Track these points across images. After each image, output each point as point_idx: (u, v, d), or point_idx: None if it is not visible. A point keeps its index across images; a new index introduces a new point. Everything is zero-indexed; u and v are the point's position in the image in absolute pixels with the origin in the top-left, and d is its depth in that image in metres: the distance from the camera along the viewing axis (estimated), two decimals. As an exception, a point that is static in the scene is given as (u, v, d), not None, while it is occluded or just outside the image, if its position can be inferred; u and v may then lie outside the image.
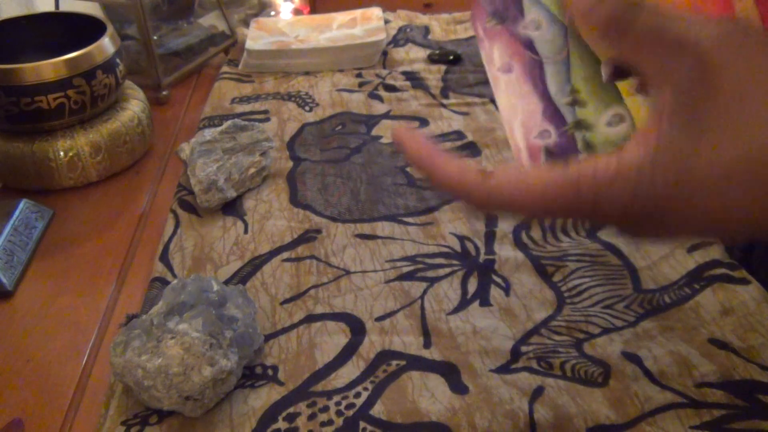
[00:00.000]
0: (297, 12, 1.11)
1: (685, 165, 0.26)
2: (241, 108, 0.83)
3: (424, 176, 0.32)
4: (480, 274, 0.57)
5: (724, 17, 0.27)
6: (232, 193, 0.66)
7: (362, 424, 0.45)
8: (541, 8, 0.31)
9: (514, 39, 0.32)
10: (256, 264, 0.59)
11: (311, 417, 0.45)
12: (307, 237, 0.62)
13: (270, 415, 0.46)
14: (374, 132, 0.78)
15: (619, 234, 0.30)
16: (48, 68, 0.66)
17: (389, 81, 0.88)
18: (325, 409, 0.46)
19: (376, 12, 0.99)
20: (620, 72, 0.29)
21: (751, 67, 0.25)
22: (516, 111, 0.33)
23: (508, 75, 0.33)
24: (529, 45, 0.32)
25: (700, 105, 0.26)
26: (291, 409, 0.46)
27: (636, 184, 0.27)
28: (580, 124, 0.30)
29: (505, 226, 0.62)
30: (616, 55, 0.29)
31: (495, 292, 0.55)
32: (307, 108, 0.83)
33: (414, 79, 0.88)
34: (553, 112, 0.31)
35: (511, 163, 0.33)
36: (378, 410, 0.46)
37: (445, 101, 0.83)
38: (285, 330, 0.53)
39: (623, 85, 0.29)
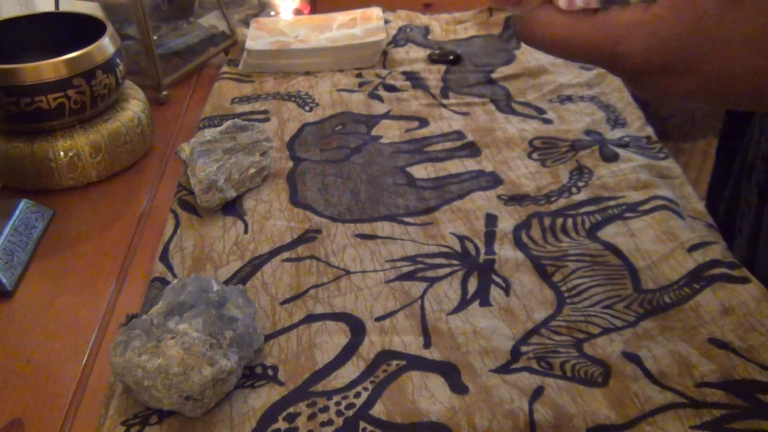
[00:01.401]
0: (297, 12, 1.11)
1: (710, 24, 0.27)
2: (241, 108, 0.83)
3: None
4: (480, 274, 0.57)
5: None
6: (232, 193, 0.66)
7: (362, 424, 0.45)
8: None
9: None
10: (256, 264, 0.59)
11: (311, 417, 0.45)
12: (307, 237, 0.62)
13: (270, 415, 0.46)
14: (374, 132, 0.78)
15: (633, 87, 0.32)
16: (48, 68, 0.66)
17: (389, 81, 0.88)
18: (325, 409, 0.46)
19: (376, 12, 0.99)
20: None
21: None
22: None
23: None
24: None
25: None
26: (291, 409, 0.46)
27: (654, 33, 0.28)
28: None
29: (505, 226, 0.62)
30: None
31: (495, 292, 0.55)
32: (307, 108, 0.83)
33: (414, 79, 0.88)
34: None
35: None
36: (378, 410, 0.46)
37: (445, 101, 0.83)
38: (285, 330, 0.53)
39: None
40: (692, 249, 0.57)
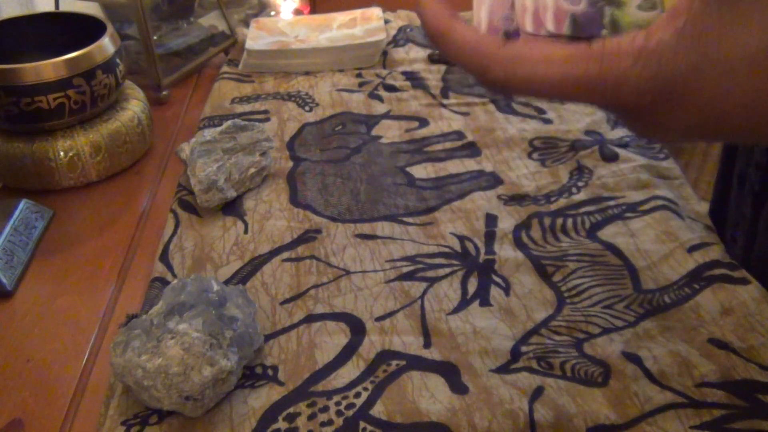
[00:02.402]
0: (297, 12, 1.11)
1: (710, 47, 0.25)
2: (241, 108, 0.83)
3: (438, 43, 0.31)
4: (480, 274, 0.57)
5: None
6: (232, 193, 0.66)
7: (362, 424, 0.45)
8: None
9: None
10: (256, 264, 0.59)
11: (311, 417, 0.45)
12: (307, 237, 0.62)
13: (270, 415, 0.46)
14: (374, 132, 0.78)
15: (631, 126, 0.29)
16: (48, 68, 0.66)
17: (389, 81, 0.88)
18: (325, 409, 0.46)
19: (376, 12, 0.99)
20: None
21: None
22: None
23: None
24: None
25: None
26: (291, 409, 0.46)
27: (659, 61, 0.26)
28: (611, 0, 0.29)
29: (505, 226, 0.62)
30: None
31: (495, 292, 0.55)
32: (307, 108, 0.83)
33: (414, 79, 0.88)
34: None
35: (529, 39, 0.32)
36: (378, 410, 0.46)
37: (445, 101, 0.83)
38: (285, 330, 0.53)
39: None
40: (692, 249, 0.57)
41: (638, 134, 0.30)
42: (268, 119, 0.81)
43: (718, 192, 0.66)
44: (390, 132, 0.77)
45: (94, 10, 0.88)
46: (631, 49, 0.27)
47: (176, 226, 0.64)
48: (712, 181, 0.68)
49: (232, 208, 0.66)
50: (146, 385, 0.45)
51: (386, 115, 0.81)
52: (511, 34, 0.31)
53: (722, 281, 0.54)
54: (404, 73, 0.90)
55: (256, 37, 0.95)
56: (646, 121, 0.29)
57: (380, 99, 0.84)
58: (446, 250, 0.60)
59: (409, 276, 0.57)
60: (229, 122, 0.69)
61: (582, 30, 0.30)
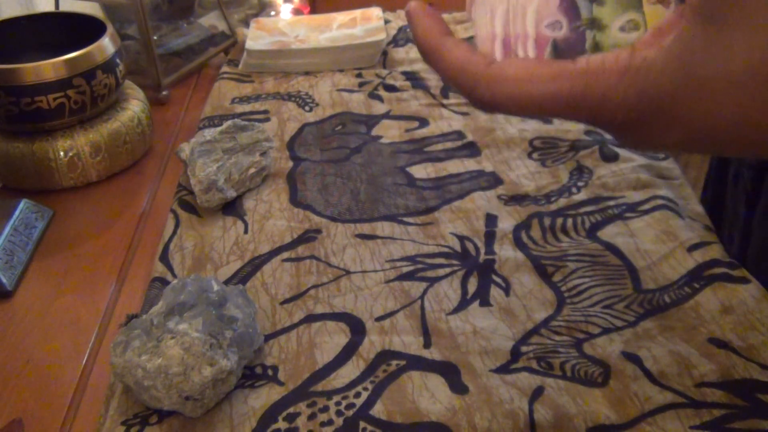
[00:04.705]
0: (297, 12, 1.11)
1: (697, 66, 0.25)
2: (241, 108, 0.83)
3: (429, 61, 0.31)
4: (480, 274, 0.57)
5: None
6: (232, 193, 0.66)
7: (362, 424, 0.45)
8: None
9: None
10: (256, 264, 0.59)
11: (311, 417, 0.45)
12: (307, 237, 0.62)
13: (270, 415, 0.46)
14: (374, 132, 0.78)
15: (619, 140, 0.29)
16: (48, 68, 0.66)
17: (389, 81, 0.88)
18: (325, 409, 0.46)
19: (376, 12, 0.99)
20: None
21: None
22: None
23: None
24: None
25: (725, 2, 0.24)
26: (291, 409, 0.46)
27: (645, 78, 0.26)
28: (593, 23, 0.29)
29: (505, 226, 0.62)
30: None
31: (495, 292, 0.55)
32: (307, 108, 0.83)
33: (414, 79, 0.88)
34: (569, 5, 0.30)
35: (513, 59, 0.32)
36: (378, 410, 0.46)
37: (445, 101, 0.83)
38: (285, 330, 0.53)
39: None
40: (692, 249, 0.57)
41: (626, 146, 0.30)
42: (268, 119, 0.81)
43: (710, 192, 0.66)
44: (390, 132, 0.77)
45: (94, 10, 0.88)
46: (616, 67, 0.27)
47: (176, 226, 0.64)
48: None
49: (232, 208, 0.66)
50: (146, 385, 0.45)
51: (386, 115, 0.81)
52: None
53: (722, 280, 0.54)
54: (404, 73, 0.90)
55: (256, 37, 0.95)
56: (633, 136, 0.29)
57: (380, 99, 0.84)
58: (446, 250, 0.60)
59: (409, 276, 0.57)
60: (229, 122, 0.69)
61: (564, 56, 0.29)
